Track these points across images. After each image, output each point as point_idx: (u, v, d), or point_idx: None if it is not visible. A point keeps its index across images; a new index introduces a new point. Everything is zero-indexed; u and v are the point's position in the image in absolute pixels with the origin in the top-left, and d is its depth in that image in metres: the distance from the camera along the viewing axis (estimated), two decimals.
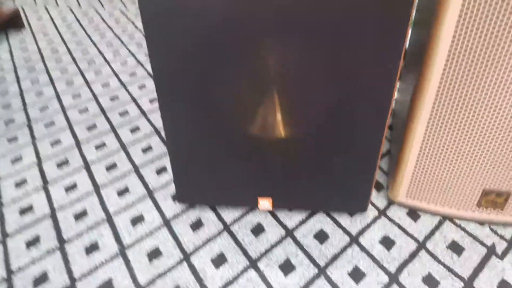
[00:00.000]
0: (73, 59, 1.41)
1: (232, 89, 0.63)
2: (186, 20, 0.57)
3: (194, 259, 0.72)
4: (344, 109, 0.63)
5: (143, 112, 1.12)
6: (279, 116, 0.65)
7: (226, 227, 0.78)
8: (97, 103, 1.16)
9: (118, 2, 1.91)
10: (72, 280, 0.70)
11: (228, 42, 0.58)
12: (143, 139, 1.01)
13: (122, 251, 0.74)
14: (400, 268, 0.70)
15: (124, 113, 1.12)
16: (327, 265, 0.71)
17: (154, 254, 0.73)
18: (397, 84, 0.98)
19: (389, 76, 0.59)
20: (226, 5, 0.54)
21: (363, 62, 0.58)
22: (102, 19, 1.73)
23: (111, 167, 0.93)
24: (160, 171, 0.92)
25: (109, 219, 0.80)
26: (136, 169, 0.92)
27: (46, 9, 1.86)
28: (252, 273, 0.70)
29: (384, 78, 0.60)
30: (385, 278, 0.68)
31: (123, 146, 0.99)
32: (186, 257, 0.73)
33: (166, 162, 0.94)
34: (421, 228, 0.77)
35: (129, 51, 1.45)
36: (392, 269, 0.70)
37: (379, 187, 0.86)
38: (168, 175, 0.90)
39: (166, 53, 0.60)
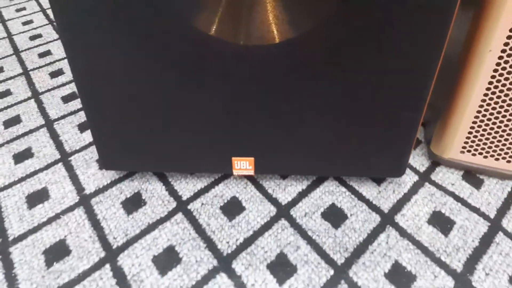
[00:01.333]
0: None
1: None
2: None
3: (125, 260, 0.43)
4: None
5: None
6: (270, 4, 0.35)
7: (181, 205, 0.48)
8: (11, 43, 0.84)
9: None
10: None
11: None
12: (66, 85, 0.70)
13: (4, 251, 0.44)
14: (470, 264, 0.42)
15: (45, 54, 0.80)
16: (349, 262, 0.42)
17: (60, 253, 0.43)
18: None
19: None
20: None
21: None
22: None
23: (12, 121, 0.62)
24: (85, 126, 0.61)
25: None
26: (49, 124, 0.61)
27: None
28: (222, 279, 0.41)
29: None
30: (448, 281, 0.40)
31: (35, 93, 0.68)
32: (112, 256, 0.43)
33: None
34: (488, 198, 0.49)
35: None
36: (457, 265, 0.42)
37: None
38: None
39: None
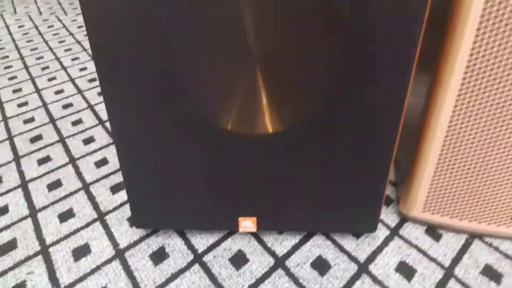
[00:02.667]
0: (25, 66, 1.23)
1: (201, 69, 0.46)
2: None
3: None
4: (350, 95, 0.47)
5: (100, 121, 0.94)
6: (264, 105, 0.48)
7: (198, 258, 0.60)
8: (46, 112, 0.98)
9: None
10: None
11: (193, 5, 0.42)
12: (98, 151, 0.83)
13: None
14: None
15: (77, 122, 0.93)
16: None
17: None
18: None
19: (406, 57, 0.44)
20: None
21: (372, 34, 0.42)
22: (63, 25, 1.56)
23: (54, 184, 0.75)
24: (116, 188, 0.73)
25: (44, 251, 0.61)
26: (86, 187, 0.74)
27: (2, 16, 1.68)
28: None
29: (400, 60, 0.44)
30: None
31: (72, 160, 0.81)
32: None
33: None
34: (445, 250, 0.61)
35: (90, 56, 1.28)
36: None
37: (386, 200, 0.70)
38: (125, 194, 0.72)
39: (110, 22, 0.44)
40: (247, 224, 0.61)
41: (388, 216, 0.67)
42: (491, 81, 0.49)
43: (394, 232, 0.64)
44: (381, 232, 0.64)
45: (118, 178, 0.76)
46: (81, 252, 0.61)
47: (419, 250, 0.61)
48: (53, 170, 0.78)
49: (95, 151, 0.84)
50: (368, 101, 0.47)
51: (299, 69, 0.45)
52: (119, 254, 0.61)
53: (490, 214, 0.61)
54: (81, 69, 1.19)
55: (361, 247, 0.61)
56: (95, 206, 0.70)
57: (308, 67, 0.45)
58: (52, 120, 0.94)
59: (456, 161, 0.56)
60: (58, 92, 1.07)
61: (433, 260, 0.59)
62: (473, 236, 0.63)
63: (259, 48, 0.44)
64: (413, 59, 0.44)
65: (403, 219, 0.66)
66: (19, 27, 1.56)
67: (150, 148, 0.54)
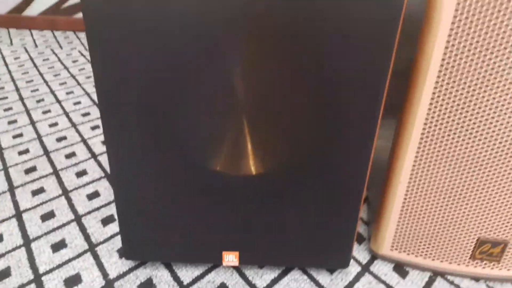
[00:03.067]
0: (20, 97, 1.28)
1: (192, 116, 0.53)
2: (136, 32, 0.47)
3: None
4: (323, 144, 0.54)
5: (93, 154, 0.99)
6: (249, 150, 0.55)
7: None
8: (41, 144, 1.02)
9: (77, 43, 1.82)
10: None
11: (187, 57, 0.49)
12: (90, 184, 0.88)
13: None
14: None
15: (70, 155, 0.98)
16: None
17: None
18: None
19: (373, 107, 0.51)
20: (184, 14, 0.46)
21: (345, 87, 0.50)
22: (59, 58, 1.62)
23: (47, 215, 0.78)
24: (106, 221, 0.78)
25: (37, 280, 0.65)
26: (78, 219, 0.78)
27: None
28: None
29: (368, 110, 0.52)
30: None
31: (65, 192, 0.85)
32: None
33: (114, 210, 0.80)
34: (410, 286, 0.66)
35: (84, 90, 1.34)
36: None
37: (359, 238, 0.76)
38: (116, 226, 0.76)
39: (114, 72, 0.50)
40: (230, 258, 0.66)
41: (360, 253, 0.73)
42: (450, 133, 0.57)
43: (365, 268, 0.69)
44: (353, 268, 0.69)
45: (109, 211, 0.80)
46: (72, 281, 0.65)
47: (388, 286, 0.66)
48: (46, 202, 0.82)
49: (87, 183, 0.88)
50: (339, 147, 0.54)
51: (278, 121, 0.52)
52: (109, 284, 0.64)
53: (451, 253, 0.67)
54: (75, 103, 1.25)
55: (335, 282, 0.67)
56: (87, 237, 0.74)
57: (285, 120, 0.52)
58: (46, 152, 0.99)
59: (420, 203, 0.63)
60: (52, 125, 1.12)
61: None
62: (436, 273, 0.69)
63: (245, 102, 0.51)
64: (378, 111, 0.52)
65: (374, 256, 0.72)
66: (15, 58, 1.61)
67: (144, 184, 0.59)
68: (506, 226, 0.62)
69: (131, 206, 0.61)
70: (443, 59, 0.51)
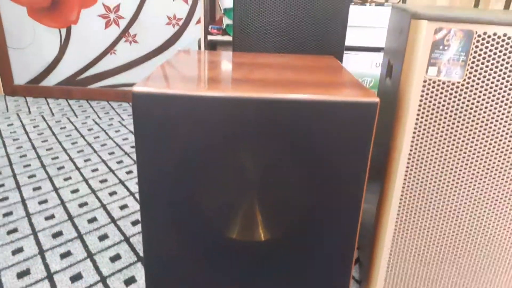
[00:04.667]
0: (42, 164, 1.41)
1: (216, 193, 0.66)
2: (176, 135, 0.62)
3: None
4: (317, 214, 0.67)
5: (112, 219, 1.10)
6: (259, 220, 0.67)
7: None
8: (65, 209, 1.14)
9: (91, 112, 1.98)
10: None
11: (216, 153, 0.63)
12: (112, 247, 0.98)
13: None
14: None
15: (92, 220, 1.09)
16: None
17: None
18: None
19: (359, 178, 0.65)
20: (215, 123, 0.61)
21: (334, 171, 0.64)
22: (75, 127, 1.77)
23: (76, 277, 0.88)
24: (129, 281, 0.88)
25: None
26: (103, 280, 0.88)
27: (18, 116, 1.89)
28: None
29: (355, 180, 0.65)
30: None
31: (90, 254, 0.95)
32: None
33: (135, 271, 0.90)
34: None
35: (100, 157, 1.48)
36: None
37: None
38: (137, 286, 0.86)
39: (154, 162, 0.64)
40: None
41: None
42: (424, 201, 0.70)
43: None
44: None
45: (130, 272, 0.90)
46: None
47: None
48: (74, 264, 0.92)
49: (109, 247, 0.99)
50: (331, 216, 0.67)
51: (280, 197, 0.66)
52: None
53: None
54: (93, 170, 1.38)
55: None
56: None
57: (286, 195, 0.65)
58: (70, 218, 1.10)
59: (403, 267, 0.75)
60: (74, 191, 1.24)
61: None
62: None
63: (254, 182, 0.65)
64: (362, 186, 0.65)
65: None
66: (34, 127, 1.76)
67: (174, 250, 0.71)
68: None
69: (158, 266, 0.72)
70: (412, 141, 0.66)
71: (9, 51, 2.12)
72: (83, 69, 2.13)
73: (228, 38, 1.60)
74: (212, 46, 1.81)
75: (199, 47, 1.71)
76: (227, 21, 1.61)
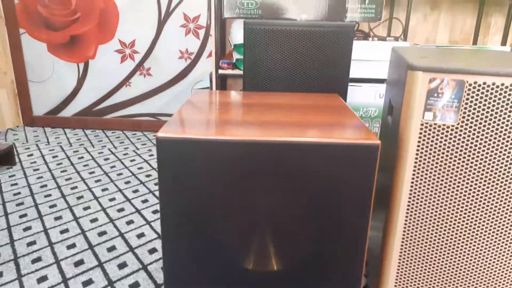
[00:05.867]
0: (62, 194, 1.48)
1: (232, 228, 0.72)
2: (194, 174, 0.68)
3: None
4: (325, 245, 0.72)
5: (130, 247, 1.16)
6: (271, 252, 0.73)
7: None
8: (85, 238, 1.20)
9: (107, 142, 2.07)
10: None
11: (232, 191, 0.69)
12: (131, 275, 1.04)
13: None
14: None
15: (111, 249, 1.15)
16: None
17: None
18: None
19: (363, 213, 0.70)
20: (230, 164, 0.67)
21: (340, 206, 0.69)
22: (92, 157, 1.85)
23: None
24: None
25: None
26: None
27: (37, 146, 1.98)
28: None
29: (359, 216, 0.71)
30: None
31: (110, 282, 1.01)
32: None
33: None
34: None
35: (117, 187, 1.54)
36: None
37: None
38: None
39: (175, 199, 0.70)
40: None
41: None
42: (427, 235, 0.75)
43: None
44: None
45: None
46: None
47: None
48: None
49: (128, 275, 1.04)
50: (338, 249, 0.72)
51: (291, 232, 0.71)
52: None
53: None
54: (111, 199, 1.44)
55: None
56: None
57: (297, 230, 0.71)
58: (91, 246, 1.16)
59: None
60: (93, 220, 1.30)
61: None
62: None
63: (267, 218, 0.70)
64: (366, 228, 0.71)
65: None
66: (53, 157, 1.85)
67: (194, 279, 0.76)
68: None
69: None
70: (412, 178, 0.72)
71: (29, 84, 2.23)
72: (99, 101, 2.23)
73: (238, 72, 1.69)
74: (222, 78, 1.90)
75: (210, 80, 1.79)
76: (237, 55, 1.70)
